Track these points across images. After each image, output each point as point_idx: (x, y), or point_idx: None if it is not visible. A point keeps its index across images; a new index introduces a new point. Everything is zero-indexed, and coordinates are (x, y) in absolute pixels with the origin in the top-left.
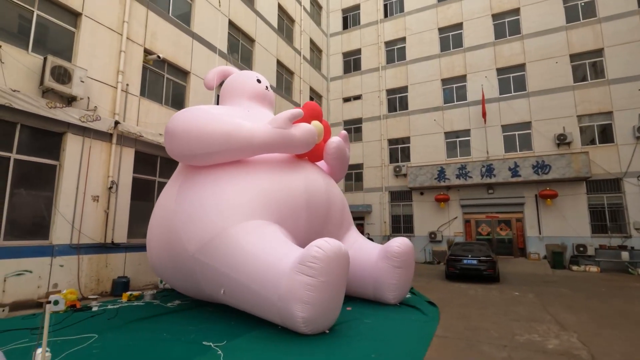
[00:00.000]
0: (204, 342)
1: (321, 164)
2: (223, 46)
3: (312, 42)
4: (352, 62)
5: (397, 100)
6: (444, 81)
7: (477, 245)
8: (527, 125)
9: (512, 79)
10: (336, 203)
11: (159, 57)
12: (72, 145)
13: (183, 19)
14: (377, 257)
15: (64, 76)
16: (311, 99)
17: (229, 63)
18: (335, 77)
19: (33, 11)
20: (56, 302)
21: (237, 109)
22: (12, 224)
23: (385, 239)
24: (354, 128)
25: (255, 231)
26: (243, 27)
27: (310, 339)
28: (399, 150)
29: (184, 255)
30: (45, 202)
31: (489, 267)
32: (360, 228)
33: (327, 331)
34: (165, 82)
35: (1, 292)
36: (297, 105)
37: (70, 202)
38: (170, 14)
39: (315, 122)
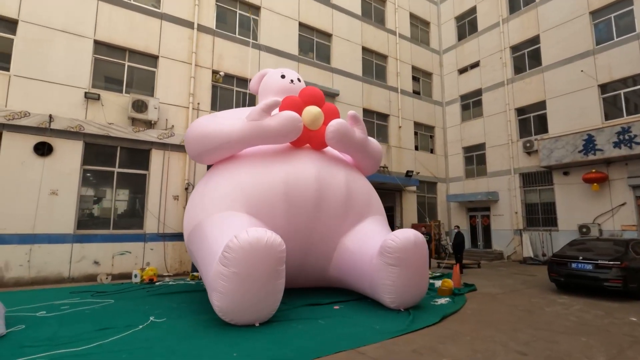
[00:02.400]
0: (151, 317)
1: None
2: (294, 49)
3: (412, 16)
4: (466, 25)
5: (525, 57)
6: (595, 14)
7: (608, 243)
8: None
9: None
10: (335, 194)
11: (220, 75)
12: (156, 157)
13: (250, 35)
14: (376, 252)
15: (141, 106)
16: (415, 79)
17: (299, 64)
18: (448, 48)
19: (124, 63)
20: (135, 276)
21: (244, 109)
22: (118, 218)
23: (517, 233)
24: (472, 102)
25: (219, 221)
26: (317, 25)
27: (232, 329)
28: (530, 120)
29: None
30: (140, 201)
31: (616, 277)
32: (487, 220)
33: (257, 324)
34: (234, 94)
35: (111, 266)
36: (394, 89)
37: (156, 201)
38: (236, 34)
39: (310, 108)
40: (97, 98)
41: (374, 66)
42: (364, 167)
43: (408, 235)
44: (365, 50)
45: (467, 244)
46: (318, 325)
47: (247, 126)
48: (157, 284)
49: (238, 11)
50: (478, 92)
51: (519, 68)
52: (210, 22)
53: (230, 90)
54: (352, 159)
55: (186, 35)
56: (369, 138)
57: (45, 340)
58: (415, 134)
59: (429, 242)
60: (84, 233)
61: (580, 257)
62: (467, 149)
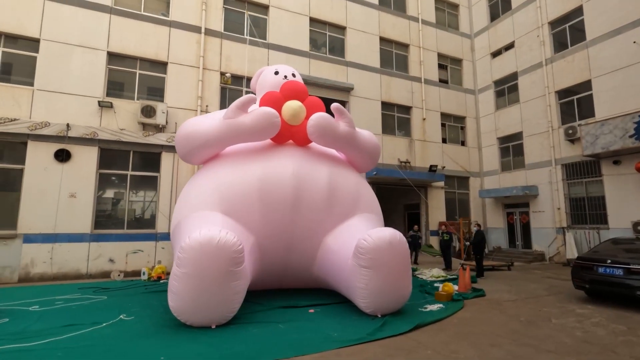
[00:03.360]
0: (122, 315)
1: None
2: (305, 46)
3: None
4: (499, 4)
5: (566, 33)
6: None
7: None
8: None
9: None
10: (315, 191)
11: (227, 76)
12: (165, 160)
13: (259, 34)
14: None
15: (150, 112)
16: (442, 67)
17: (310, 60)
18: (479, 31)
19: (136, 72)
20: (143, 274)
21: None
22: (132, 218)
23: (560, 232)
24: (507, 88)
25: (192, 221)
26: (329, 19)
27: (186, 331)
28: (574, 103)
29: None
30: (152, 202)
31: None
32: (526, 218)
33: (213, 326)
34: (244, 95)
35: (125, 264)
36: (417, 80)
37: (167, 202)
38: (245, 35)
39: (289, 103)
40: (110, 106)
41: (394, 56)
42: (358, 162)
43: (382, 234)
44: (383, 40)
45: (504, 243)
46: (275, 329)
47: (224, 125)
48: (161, 281)
49: (246, 12)
50: (514, 76)
51: (559, 45)
52: (218, 25)
53: (239, 91)
54: (344, 155)
55: (194, 40)
56: (361, 131)
57: (10, 334)
58: (443, 125)
59: (448, 241)
60: (100, 232)
61: (609, 261)
62: (503, 139)
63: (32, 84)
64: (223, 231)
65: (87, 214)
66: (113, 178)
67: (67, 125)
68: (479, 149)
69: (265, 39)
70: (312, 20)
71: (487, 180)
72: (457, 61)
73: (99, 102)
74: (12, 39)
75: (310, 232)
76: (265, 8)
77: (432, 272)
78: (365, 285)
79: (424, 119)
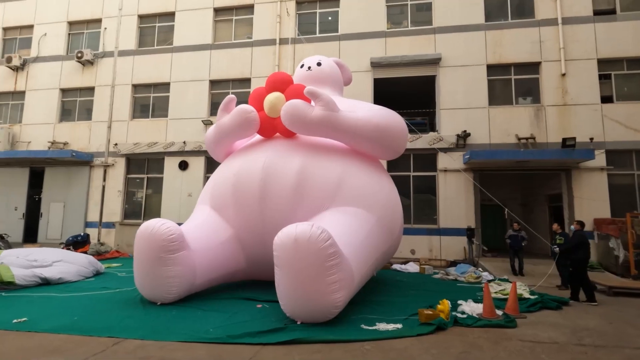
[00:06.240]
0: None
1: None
2: (381, 25)
3: None
4: None
5: None
6: None
7: None
8: None
9: None
10: (281, 182)
11: None
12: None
13: (330, 28)
14: None
15: None
16: None
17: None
18: None
19: (229, 92)
20: None
21: None
22: None
23: None
24: None
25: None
26: None
27: (135, 305)
28: None
29: None
30: None
31: None
32: None
33: (158, 303)
34: None
35: None
36: (549, 22)
37: None
38: (316, 34)
39: (268, 96)
40: (211, 123)
41: (508, 1)
42: (360, 148)
43: (289, 230)
44: None
45: None
46: (191, 314)
47: (215, 126)
48: None
49: (317, 11)
50: None
51: None
52: (291, 32)
53: None
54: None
55: (270, 52)
56: (357, 112)
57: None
58: (606, 77)
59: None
60: None
61: None
62: None
63: (166, 116)
64: (161, 221)
65: None
66: None
67: (184, 142)
68: None
69: (337, 32)
70: None
71: None
72: None
73: (202, 121)
74: (156, 86)
75: (279, 225)
76: (336, 0)
77: (504, 287)
78: (278, 284)
79: (564, 75)
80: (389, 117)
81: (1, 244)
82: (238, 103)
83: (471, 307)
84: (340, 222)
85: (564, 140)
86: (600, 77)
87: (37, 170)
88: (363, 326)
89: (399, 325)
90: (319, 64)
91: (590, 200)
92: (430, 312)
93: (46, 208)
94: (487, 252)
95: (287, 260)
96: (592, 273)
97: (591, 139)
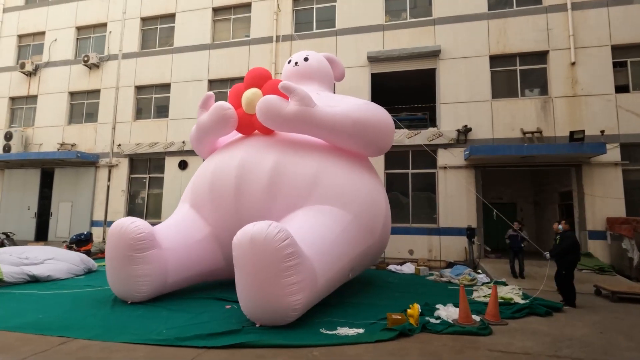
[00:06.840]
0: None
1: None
2: (379, 19)
3: None
4: None
5: None
6: None
7: None
8: None
9: None
10: (255, 180)
11: None
12: None
13: (327, 24)
14: None
15: None
16: None
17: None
18: None
19: (227, 91)
20: None
21: None
22: None
23: None
24: None
25: None
26: None
27: (102, 303)
28: None
29: None
30: None
31: None
32: None
33: (128, 302)
34: None
35: None
36: (557, 8)
37: None
38: (313, 30)
39: (246, 92)
40: None
41: None
42: (342, 144)
43: (246, 229)
44: None
45: None
46: (156, 314)
47: (196, 124)
48: None
49: (314, 6)
50: None
51: None
52: (288, 29)
53: None
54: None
55: (267, 49)
56: (337, 107)
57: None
58: (622, 64)
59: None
60: None
61: None
62: None
63: (167, 116)
64: (131, 219)
65: None
66: None
67: (183, 142)
68: None
69: (334, 27)
70: None
71: None
72: None
73: None
74: (158, 87)
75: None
76: None
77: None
78: (236, 285)
79: (573, 64)
80: (371, 112)
81: (7, 242)
82: None
83: (448, 312)
84: (310, 221)
85: (572, 133)
86: (615, 65)
87: (48, 171)
88: (322, 330)
89: (361, 330)
90: (306, 59)
91: (603, 197)
92: (399, 317)
93: (56, 207)
94: (491, 252)
95: (244, 260)
96: (603, 277)
97: (602, 131)
